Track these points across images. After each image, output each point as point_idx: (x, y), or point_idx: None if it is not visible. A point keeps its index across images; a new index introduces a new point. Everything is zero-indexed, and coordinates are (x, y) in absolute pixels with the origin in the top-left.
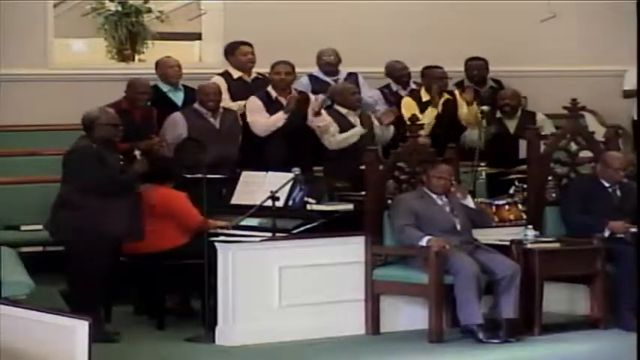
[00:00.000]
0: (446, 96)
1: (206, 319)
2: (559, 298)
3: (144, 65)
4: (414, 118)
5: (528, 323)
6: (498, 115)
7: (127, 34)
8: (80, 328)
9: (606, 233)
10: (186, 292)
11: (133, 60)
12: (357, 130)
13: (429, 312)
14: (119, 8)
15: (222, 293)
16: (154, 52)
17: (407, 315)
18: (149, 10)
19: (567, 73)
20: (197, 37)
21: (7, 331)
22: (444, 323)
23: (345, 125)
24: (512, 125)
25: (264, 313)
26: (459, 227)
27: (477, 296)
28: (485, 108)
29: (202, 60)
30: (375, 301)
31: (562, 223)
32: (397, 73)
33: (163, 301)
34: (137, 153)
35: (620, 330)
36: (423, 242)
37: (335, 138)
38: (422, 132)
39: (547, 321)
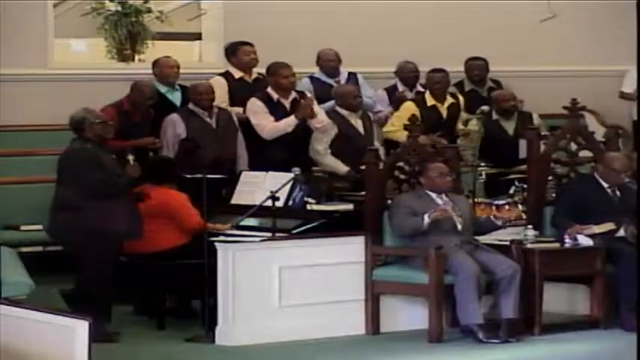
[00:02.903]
0: (450, 100)
1: (206, 319)
2: (559, 298)
3: (144, 65)
4: (413, 118)
5: (528, 323)
6: (495, 116)
7: (127, 34)
8: (80, 328)
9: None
10: (186, 292)
11: (133, 60)
12: (342, 170)
13: (429, 312)
14: (119, 8)
15: (222, 293)
16: (154, 52)
17: (407, 315)
18: (149, 10)
19: (567, 73)
20: (197, 37)
21: (7, 331)
22: (443, 323)
23: (346, 127)
24: (509, 126)
25: (264, 313)
26: (459, 227)
27: (477, 296)
28: (485, 108)
29: (202, 60)
30: (375, 301)
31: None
32: (405, 73)
33: (163, 301)
34: (130, 158)
35: (621, 330)
36: (426, 218)
37: (319, 153)
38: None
39: (547, 321)
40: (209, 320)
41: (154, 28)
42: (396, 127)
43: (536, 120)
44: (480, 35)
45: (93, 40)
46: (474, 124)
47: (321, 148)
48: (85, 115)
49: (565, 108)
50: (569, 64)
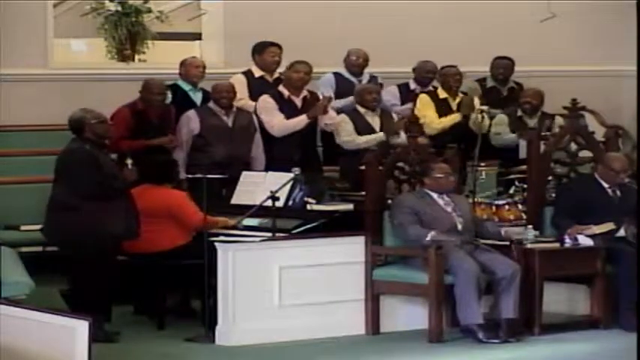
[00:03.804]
0: (461, 96)
1: (206, 319)
2: (559, 298)
3: (144, 65)
4: (413, 118)
5: (528, 323)
6: (519, 113)
7: (127, 34)
8: (80, 328)
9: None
10: (186, 292)
11: (133, 60)
12: (379, 136)
13: (429, 312)
14: (119, 8)
15: (222, 293)
16: (154, 52)
17: (407, 315)
18: (149, 10)
19: (567, 73)
20: (197, 37)
21: (7, 331)
22: (443, 323)
23: (362, 125)
24: (532, 125)
25: (264, 313)
26: (460, 227)
27: (477, 296)
28: (484, 108)
29: (202, 60)
30: (375, 301)
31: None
32: (424, 73)
33: (163, 301)
34: (129, 162)
35: (621, 330)
36: (429, 237)
37: (353, 140)
38: (428, 131)
39: (547, 321)
40: (209, 320)
41: (154, 28)
42: (429, 118)
43: (558, 123)
44: (480, 36)
45: (93, 40)
46: (502, 119)
47: (348, 137)
48: (83, 115)
49: (565, 108)
50: (569, 64)
